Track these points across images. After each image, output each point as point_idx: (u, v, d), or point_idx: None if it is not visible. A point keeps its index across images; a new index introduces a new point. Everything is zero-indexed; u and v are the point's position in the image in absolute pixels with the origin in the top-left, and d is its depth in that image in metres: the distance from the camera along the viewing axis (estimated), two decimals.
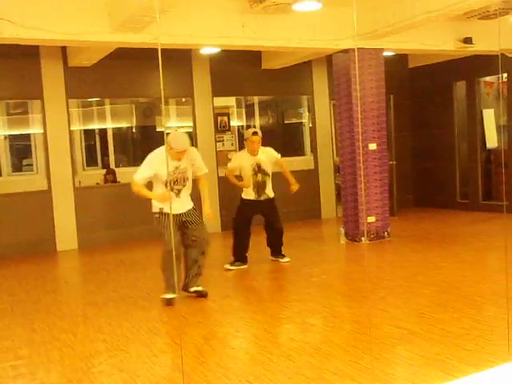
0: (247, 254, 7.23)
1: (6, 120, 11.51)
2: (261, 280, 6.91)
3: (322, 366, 3.90)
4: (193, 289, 5.82)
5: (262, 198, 7.17)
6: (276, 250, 7.46)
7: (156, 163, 5.57)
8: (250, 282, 6.70)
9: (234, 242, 7.21)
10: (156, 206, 5.69)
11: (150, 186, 5.79)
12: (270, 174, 7.21)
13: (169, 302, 5.56)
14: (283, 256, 7.44)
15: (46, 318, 5.43)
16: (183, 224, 5.72)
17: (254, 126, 12.47)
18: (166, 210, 5.55)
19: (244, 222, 7.15)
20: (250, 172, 7.10)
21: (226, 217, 9.80)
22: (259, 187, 7.14)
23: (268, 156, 7.20)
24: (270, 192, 7.22)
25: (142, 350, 4.44)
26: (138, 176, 5.64)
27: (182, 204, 5.71)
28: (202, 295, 5.80)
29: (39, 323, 5.27)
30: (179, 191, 5.68)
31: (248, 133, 7.19)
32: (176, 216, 5.65)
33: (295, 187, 7.38)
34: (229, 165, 7.40)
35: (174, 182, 5.65)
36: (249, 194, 7.15)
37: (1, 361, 4.36)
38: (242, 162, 7.18)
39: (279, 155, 7.33)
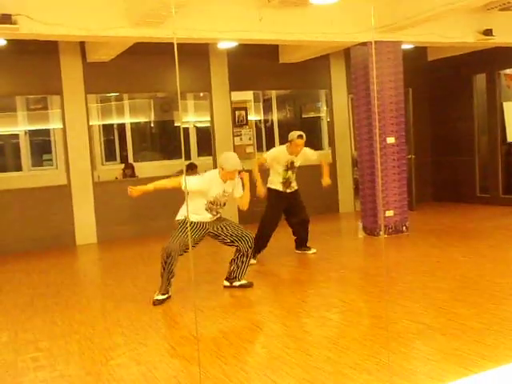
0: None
1: (26, 115, 11.62)
2: (278, 274, 6.91)
3: (340, 360, 3.89)
4: (238, 283, 5.93)
5: (288, 190, 7.27)
6: (303, 241, 7.53)
7: (208, 181, 5.64)
8: (268, 276, 6.70)
9: (257, 234, 7.18)
10: (182, 215, 5.70)
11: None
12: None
13: (160, 303, 5.55)
14: (309, 248, 7.52)
15: (66, 311, 5.49)
16: (210, 233, 5.79)
17: (272, 121, 12.46)
18: (192, 219, 5.63)
19: (275, 213, 7.23)
20: (283, 168, 7.18)
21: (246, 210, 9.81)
22: (286, 182, 7.23)
23: (305, 158, 7.33)
24: (295, 185, 7.33)
25: (160, 343, 4.48)
26: (190, 184, 5.45)
27: (213, 219, 5.78)
28: (247, 286, 5.93)
29: (59, 316, 5.34)
30: (216, 214, 5.77)
31: (293, 135, 7.17)
32: (202, 224, 5.69)
33: (327, 182, 7.49)
34: (264, 154, 7.50)
35: (214, 203, 5.69)
36: (276, 185, 7.22)
37: (22, 353, 4.43)
38: (278, 157, 7.22)
39: (315, 155, 7.50)
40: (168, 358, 4.15)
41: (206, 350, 4.25)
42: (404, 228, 8.61)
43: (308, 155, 7.38)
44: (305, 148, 7.28)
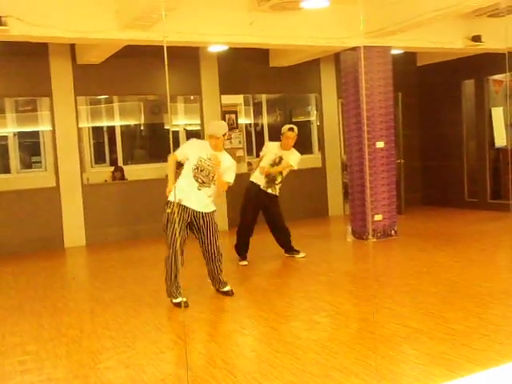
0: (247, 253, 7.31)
1: (15, 117, 11.56)
2: (267, 277, 6.92)
3: (328, 364, 3.90)
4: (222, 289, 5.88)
5: (269, 190, 7.20)
6: (287, 247, 7.51)
7: (196, 146, 5.70)
8: (257, 280, 6.71)
9: (237, 234, 7.28)
10: (172, 194, 5.57)
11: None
12: (284, 174, 7.27)
13: (185, 304, 5.45)
14: (298, 252, 7.49)
15: (54, 315, 5.46)
16: (194, 225, 5.62)
17: (262, 125, 12.48)
18: (182, 202, 5.50)
19: (251, 208, 7.19)
20: (270, 162, 7.16)
21: (234, 215, 9.82)
22: (270, 179, 7.18)
23: (290, 157, 7.24)
24: (276, 189, 7.25)
25: (149, 346, 4.46)
26: (178, 151, 5.69)
27: (199, 200, 5.57)
28: (228, 294, 5.82)
29: (47, 319, 5.31)
30: (203, 183, 5.56)
31: (284, 128, 7.26)
32: (188, 210, 5.52)
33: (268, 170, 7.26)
34: (261, 153, 7.48)
35: (201, 170, 5.56)
36: (258, 179, 7.20)
37: (9, 356, 4.40)
38: (269, 150, 7.26)
39: (295, 161, 7.29)
40: (156, 361, 4.14)
41: (194, 353, 4.25)
42: (393, 232, 8.65)
43: (292, 155, 7.25)
44: (294, 150, 7.28)
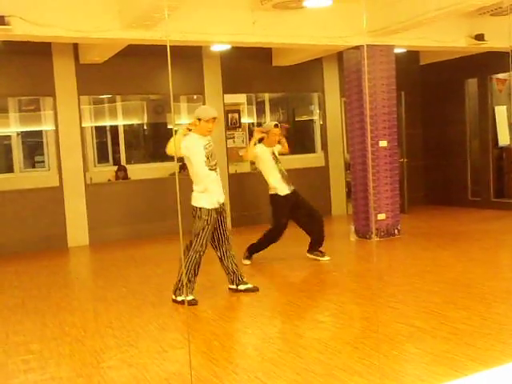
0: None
1: (19, 117, 11.58)
2: (270, 277, 6.92)
3: (331, 363, 3.90)
4: (244, 286, 5.83)
5: (293, 187, 7.08)
6: (319, 242, 7.26)
7: (193, 140, 5.54)
8: (260, 279, 6.70)
9: (263, 239, 7.15)
10: (199, 201, 5.53)
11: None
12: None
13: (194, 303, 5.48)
14: (323, 253, 7.26)
15: (57, 314, 5.48)
16: (218, 217, 5.62)
17: (264, 123, 12.45)
18: (212, 205, 5.49)
19: (284, 219, 7.02)
20: (274, 163, 6.97)
21: (237, 213, 9.84)
22: (284, 176, 7.00)
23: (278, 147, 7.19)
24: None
25: (152, 345, 4.47)
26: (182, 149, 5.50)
27: (220, 187, 5.64)
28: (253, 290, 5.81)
29: (50, 318, 5.32)
30: (216, 166, 5.60)
31: (269, 125, 7.10)
32: (218, 208, 5.56)
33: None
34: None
35: (211, 156, 5.56)
36: (278, 186, 6.97)
37: (12, 355, 4.41)
38: (262, 154, 7.02)
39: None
40: (160, 360, 4.15)
41: (197, 352, 4.25)
42: (396, 231, 8.64)
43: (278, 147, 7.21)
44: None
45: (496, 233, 8.62)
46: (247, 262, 7.19)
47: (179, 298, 5.50)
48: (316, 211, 7.24)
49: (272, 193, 7.01)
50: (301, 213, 7.14)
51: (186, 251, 5.50)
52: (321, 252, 7.27)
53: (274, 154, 7.06)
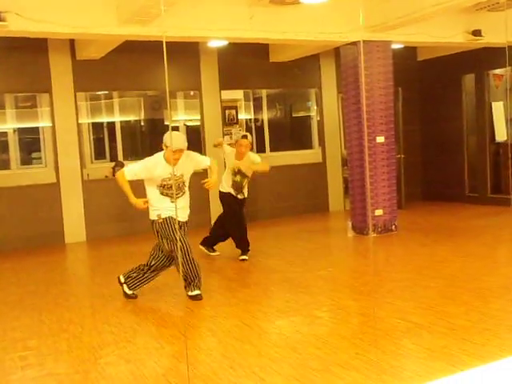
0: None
1: (15, 113, 11.55)
2: (267, 273, 6.91)
3: (328, 358, 3.91)
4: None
5: (239, 196, 7.20)
6: (239, 246, 7.35)
7: (152, 165, 5.44)
8: (257, 275, 6.71)
9: (233, 233, 7.29)
10: (155, 213, 5.52)
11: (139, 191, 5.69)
12: (249, 176, 7.23)
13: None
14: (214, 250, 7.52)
15: (55, 310, 5.47)
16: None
17: (262, 120, 12.45)
18: (170, 214, 5.43)
19: (234, 213, 7.18)
20: (231, 171, 7.13)
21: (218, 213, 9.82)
22: (237, 187, 7.14)
23: (251, 161, 7.16)
24: (245, 192, 7.25)
25: (149, 341, 4.47)
26: (128, 169, 5.53)
27: (182, 211, 5.57)
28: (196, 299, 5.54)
29: (48, 315, 5.32)
30: (176, 195, 5.53)
31: (238, 135, 7.28)
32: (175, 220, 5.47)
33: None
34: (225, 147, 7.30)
35: (169, 188, 5.44)
36: (227, 188, 7.17)
37: (10, 351, 4.41)
38: (229, 158, 7.20)
39: (258, 158, 7.28)
40: (157, 356, 4.15)
41: (194, 348, 4.25)
42: (393, 227, 8.65)
43: (253, 157, 7.21)
44: (250, 153, 7.20)
45: (493, 228, 8.63)
46: (245, 257, 7.19)
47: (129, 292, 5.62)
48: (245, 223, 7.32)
49: (220, 190, 7.22)
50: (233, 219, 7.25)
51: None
52: (213, 249, 7.53)
53: (239, 169, 7.10)
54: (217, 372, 3.78)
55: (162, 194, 5.48)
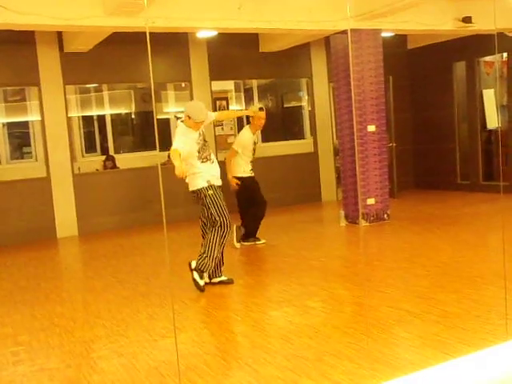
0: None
1: (4, 107, 11.46)
2: (260, 263, 6.91)
3: (321, 348, 3.90)
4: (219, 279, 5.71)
5: (253, 174, 7.26)
6: (255, 231, 7.42)
7: (184, 135, 5.41)
8: (249, 266, 6.70)
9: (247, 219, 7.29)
10: (205, 180, 5.46)
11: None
12: None
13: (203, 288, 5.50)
14: (258, 238, 7.46)
15: (46, 305, 5.44)
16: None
17: (253, 104, 12.38)
18: (214, 181, 5.47)
19: (258, 195, 7.27)
20: (251, 151, 7.13)
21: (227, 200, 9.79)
22: (251, 165, 7.21)
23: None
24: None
25: (142, 334, 4.45)
26: (177, 147, 5.28)
27: (217, 173, 5.61)
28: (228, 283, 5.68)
29: (39, 310, 5.29)
30: (210, 155, 5.55)
31: (255, 108, 7.18)
32: (218, 188, 5.54)
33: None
34: (234, 146, 7.26)
35: (203, 150, 5.49)
36: (247, 171, 7.16)
37: (1, 347, 4.38)
38: (247, 143, 7.17)
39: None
40: (149, 349, 4.13)
41: (187, 340, 4.24)
42: (385, 216, 8.65)
43: None
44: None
45: (485, 216, 8.65)
46: (237, 244, 7.24)
47: (203, 283, 5.49)
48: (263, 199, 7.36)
49: (241, 175, 7.16)
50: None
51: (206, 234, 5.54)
52: (257, 238, 7.47)
53: (255, 143, 7.20)
54: (210, 364, 3.77)
55: (202, 159, 5.46)
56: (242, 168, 7.17)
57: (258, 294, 5.47)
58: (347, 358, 3.69)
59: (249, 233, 7.34)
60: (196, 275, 5.43)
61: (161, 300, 5.36)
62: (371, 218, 8.54)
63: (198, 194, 5.50)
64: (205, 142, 5.57)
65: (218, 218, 5.42)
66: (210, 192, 5.45)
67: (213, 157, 5.63)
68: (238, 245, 7.28)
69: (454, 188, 11.22)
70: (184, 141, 5.38)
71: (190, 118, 5.39)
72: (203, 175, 5.48)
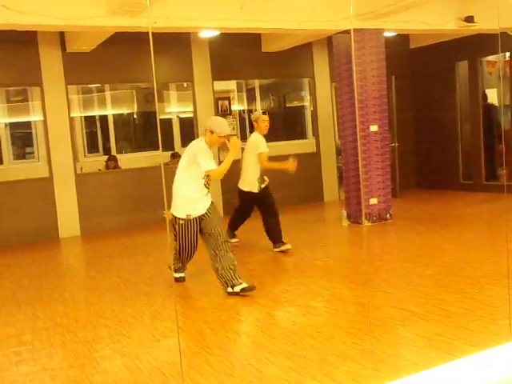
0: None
1: (6, 108, 11.47)
2: (263, 263, 6.90)
3: (324, 348, 3.89)
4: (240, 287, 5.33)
5: (263, 185, 7.00)
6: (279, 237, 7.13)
7: (208, 155, 5.30)
8: (252, 266, 6.69)
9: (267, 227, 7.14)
10: (182, 211, 5.33)
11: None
12: None
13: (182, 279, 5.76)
14: (284, 243, 7.12)
15: (49, 305, 5.44)
16: (201, 220, 5.40)
17: (255, 110, 12.41)
18: (194, 214, 5.30)
19: (247, 212, 7.24)
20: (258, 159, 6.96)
21: (229, 200, 9.79)
22: (262, 174, 7.00)
23: None
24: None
25: (145, 334, 4.45)
26: (211, 165, 5.28)
27: (205, 203, 5.40)
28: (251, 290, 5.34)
29: (42, 309, 5.29)
30: (208, 186, 5.42)
31: (257, 114, 7.10)
32: (197, 220, 5.36)
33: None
34: (262, 149, 6.94)
35: (208, 176, 5.33)
36: (253, 185, 6.92)
37: (4, 347, 4.38)
38: (264, 141, 7.02)
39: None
40: (152, 349, 4.13)
41: (190, 340, 4.24)
42: (388, 215, 8.63)
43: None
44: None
45: (488, 215, 8.63)
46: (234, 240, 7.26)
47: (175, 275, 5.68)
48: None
49: (243, 189, 7.00)
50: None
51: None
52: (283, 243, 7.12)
53: None
54: (213, 364, 3.76)
55: (205, 184, 5.35)
56: (249, 180, 7.01)
57: (261, 294, 5.45)
58: (350, 359, 3.68)
59: (276, 239, 7.15)
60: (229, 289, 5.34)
61: (164, 300, 5.36)
62: (374, 217, 8.53)
63: (174, 218, 5.38)
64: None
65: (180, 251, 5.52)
66: (181, 222, 5.32)
67: (208, 192, 5.45)
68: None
69: (457, 188, 11.19)
70: (210, 157, 5.30)
71: (212, 132, 5.27)
72: (184, 205, 5.31)
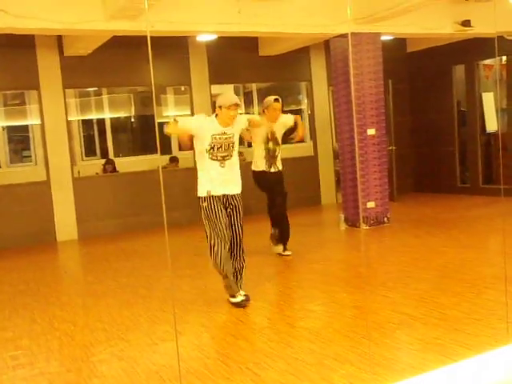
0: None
1: (4, 111, 11.47)
2: (260, 266, 6.89)
3: (322, 352, 3.89)
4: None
5: (272, 169, 6.79)
6: (284, 237, 7.03)
7: (205, 119, 5.09)
8: (250, 269, 6.67)
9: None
10: (203, 189, 5.04)
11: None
12: (281, 144, 6.90)
13: (243, 304, 5.11)
14: (285, 249, 7.05)
15: (46, 309, 5.43)
16: (227, 209, 5.08)
17: (253, 114, 12.41)
18: (215, 192, 4.98)
19: (267, 193, 6.89)
20: (263, 139, 6.68)
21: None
22: (270, 157, 6.73)
23: (284, 124, 6.88)
24: (279, 164, 6.86)
25: (142, 338, 4.44)
26: (180, 122, 5.11)
27: (229, 180, 5.06)
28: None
29: (39, 314, 5.28)
30: (224, 159, 5.01)
31: (269, 100, 6.73)
32: (223, 198, 5.04)
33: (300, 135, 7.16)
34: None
35: (218, 148, 4.99)
36: (259, 165, 6.74)
37: (1, 351, 4.37)
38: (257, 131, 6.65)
39: (291, 117, 7.03)
40: (150, 353, 4.12)
41: (187, 344, 4.23)
42: (385, 219, 8.65)
43: (285, 120, 6.91)
44: (282, 115, 6.88)
45: (485, 219, 8.64)
46: (288, 252, 7.03)
47: (233, 300, 5.16)
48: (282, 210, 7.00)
49: (253, 169, 6.85)
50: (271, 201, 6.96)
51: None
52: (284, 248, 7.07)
53: (272, 132, 6.75)
54: (210, 368, 3.76)
55: (212, 157, 5.00)
56: (254, 160, 6.84)
57: (259, 298, 5.45)
58: (348, 362, 3.68)
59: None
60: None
61: (161, 303, 5.36)
62: (371, 221, 8.54)
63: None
64: (230, 144, 5.05)
65: (208, 239, 5.06)
66: (205, 204, 5.02)
67: (234, 160, 5.11)
68: (278, 249, 7.05)
69: (454, 191, 11.22)
70: (193, 123, 5.12)
71: (221, 107, 4.99)
72: (202, 181, 5.06)
